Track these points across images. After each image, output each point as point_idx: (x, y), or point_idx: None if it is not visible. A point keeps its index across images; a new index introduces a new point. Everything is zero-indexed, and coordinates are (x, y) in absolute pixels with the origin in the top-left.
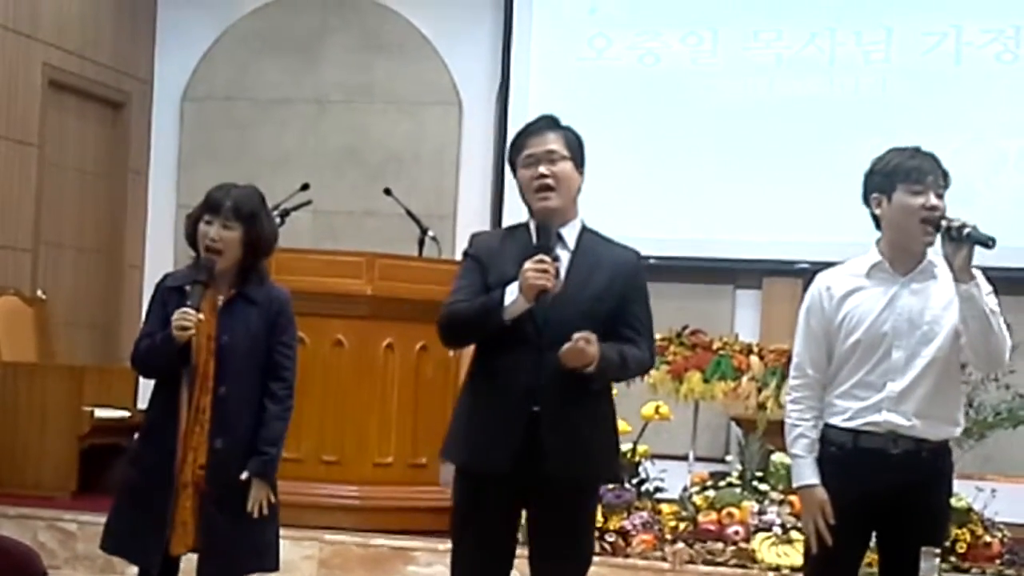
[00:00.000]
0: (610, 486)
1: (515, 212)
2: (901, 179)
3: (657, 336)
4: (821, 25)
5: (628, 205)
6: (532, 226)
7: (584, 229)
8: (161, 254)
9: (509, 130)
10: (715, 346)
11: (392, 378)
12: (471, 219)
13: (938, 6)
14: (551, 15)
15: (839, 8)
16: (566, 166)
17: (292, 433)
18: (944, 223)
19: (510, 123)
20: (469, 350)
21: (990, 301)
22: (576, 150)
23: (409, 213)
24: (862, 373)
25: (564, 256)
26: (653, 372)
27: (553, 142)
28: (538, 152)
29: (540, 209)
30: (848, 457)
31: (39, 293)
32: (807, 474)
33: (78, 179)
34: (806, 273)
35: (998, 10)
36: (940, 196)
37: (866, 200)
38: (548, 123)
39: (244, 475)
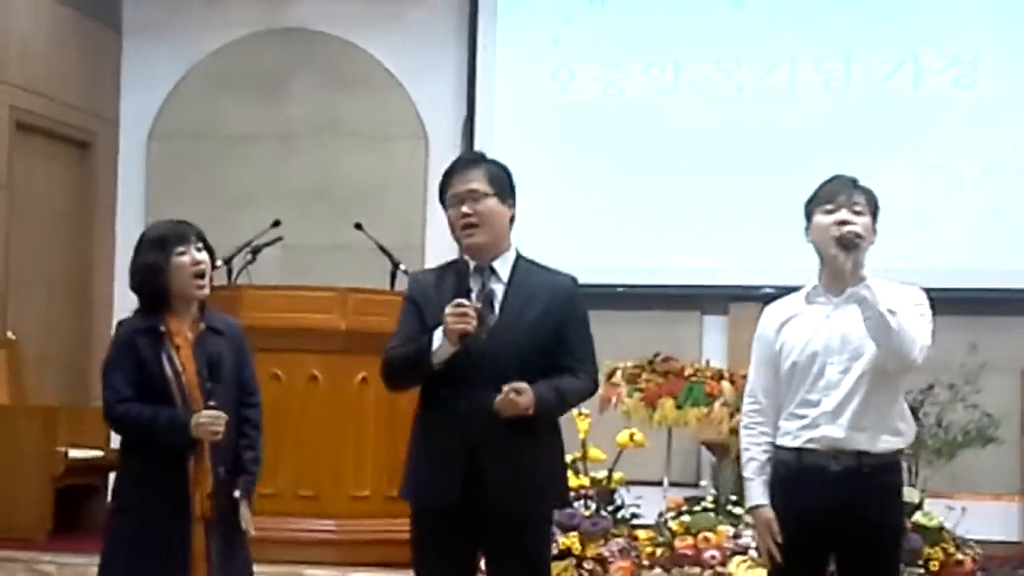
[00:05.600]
0: (586, 513)
1: None
2: (817, 204)
3: (628, 363)
4: (781, 54)
5: (594, 234)
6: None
7: (519, 259)
8: (131, 292)
9: None
10: (687, 372)
11: (367, 412)
12: (440, 250)
13: (896, 33)
14: (514, 48)
15: (799, 37)
16: (489, 202)
17: (268, 468)
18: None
19: None
20: None
21: (905, 303)
22: (501, 184)
23: (381, 247)
24: (802, 392)
25: (498, 289)
26: (627, 400)
27: (475, 180)
28: (461, 191)
29: (467, 246)
30: (793, 476)
31: (9, 334)
32: (755, 495)
33: (47, 219)
34: (772, 298)
35: (954, 37)
36: (858, 213)
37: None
38: (470, 161)
39: (237, 494)
